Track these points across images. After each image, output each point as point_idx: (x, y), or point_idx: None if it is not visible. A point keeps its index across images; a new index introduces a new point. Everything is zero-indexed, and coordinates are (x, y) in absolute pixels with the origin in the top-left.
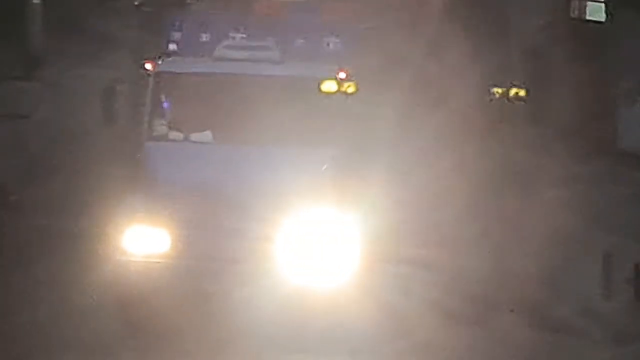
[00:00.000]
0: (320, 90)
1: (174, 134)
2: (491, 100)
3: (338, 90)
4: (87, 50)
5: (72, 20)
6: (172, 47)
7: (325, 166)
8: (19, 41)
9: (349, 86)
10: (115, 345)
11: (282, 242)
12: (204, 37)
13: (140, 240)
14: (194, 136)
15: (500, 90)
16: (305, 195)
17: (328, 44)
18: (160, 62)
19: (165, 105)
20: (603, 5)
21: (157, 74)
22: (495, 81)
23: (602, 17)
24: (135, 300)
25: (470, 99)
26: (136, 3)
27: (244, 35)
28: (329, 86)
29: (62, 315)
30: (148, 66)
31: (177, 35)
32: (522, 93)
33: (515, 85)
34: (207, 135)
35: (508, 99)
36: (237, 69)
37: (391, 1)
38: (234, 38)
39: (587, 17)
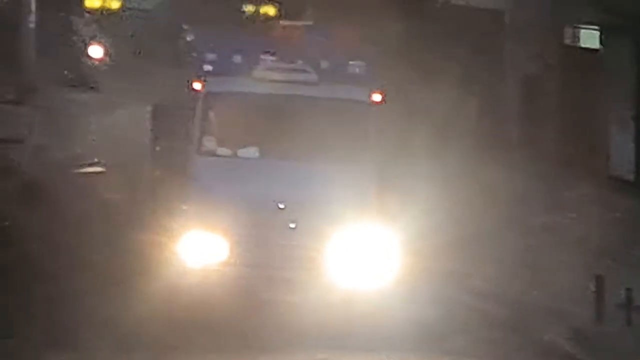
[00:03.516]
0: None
1: (222, 150)
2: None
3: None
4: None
5: (66, 45)
6: (207, 67)
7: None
8: (13, 66)
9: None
10: (181, 345)
11: (329, 251)
12: (237, 59)
13: (196, 248)
14: (241, 152)
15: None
16: (346, 207)
17: (354, 67)
18: (208, 82)
19: (213, 122)
20: (597, 32)
21: (207, 94)
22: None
23: (596, 44)
24: (196, 303)
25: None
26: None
27: (274, 58)
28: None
29: (128, 317)
30: (197, 86)
31: (211, 56)
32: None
33: None
34: (253, 151)
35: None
36: (281, 90)
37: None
38: (265, 60)
39: (581, 44)
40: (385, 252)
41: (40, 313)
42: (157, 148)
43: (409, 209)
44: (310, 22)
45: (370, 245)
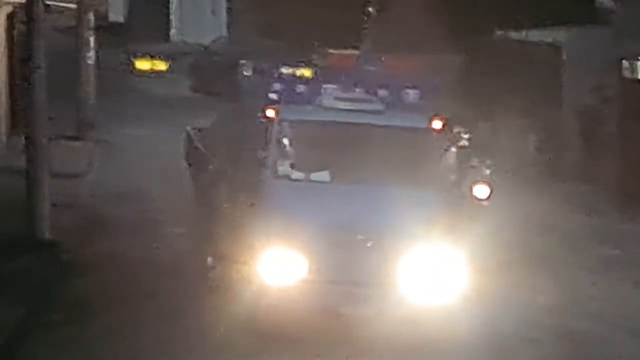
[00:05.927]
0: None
1: (295, 174)
2: None
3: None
4: (140, 111)
5: (125, 81)
6: (273, 96)
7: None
8: (72, 101)
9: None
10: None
11: (401, 269)
12: (300, 88)
13: (274, 265)
14: (314, 176)
15: None
16: (415, 227)
17: (409, 95)
18: (282, 110)
19: (287, 147)
20: None
21: (281, 121)
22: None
23: None
24: (276, 319)
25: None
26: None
27: (335, 87)
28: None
29: (210, 335)
30: (270, 113)
31: (277, 85)
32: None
33: None
34: (325, 175)
35: None
36: (350, 118)
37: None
38: (327, 89)
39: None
40: (453, 269)
41: (120, 337)
42: (211, 167)
43: (472, 231)
44: (357, 52)
45: (439, 263)
